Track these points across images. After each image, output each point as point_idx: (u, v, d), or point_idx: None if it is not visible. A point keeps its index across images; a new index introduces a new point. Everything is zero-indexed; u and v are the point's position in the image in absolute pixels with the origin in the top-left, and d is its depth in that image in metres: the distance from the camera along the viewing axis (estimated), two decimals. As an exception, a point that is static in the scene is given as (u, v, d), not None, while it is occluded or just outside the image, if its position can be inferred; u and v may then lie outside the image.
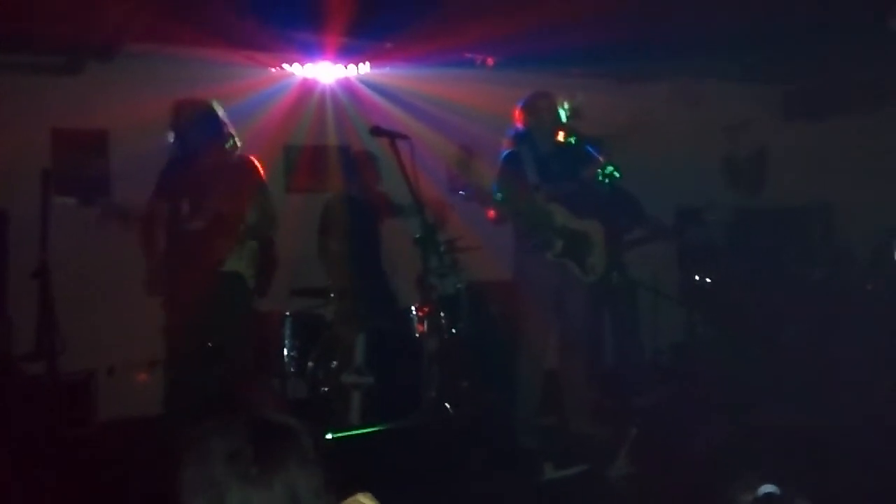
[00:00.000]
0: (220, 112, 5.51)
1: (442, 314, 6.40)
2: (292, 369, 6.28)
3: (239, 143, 5.58)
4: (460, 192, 5.98)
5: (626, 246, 7.26)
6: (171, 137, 5.45)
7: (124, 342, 6.61)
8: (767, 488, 1.97)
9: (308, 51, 7.15)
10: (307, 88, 7.62)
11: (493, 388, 6.58)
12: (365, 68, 7.52)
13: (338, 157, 7.57)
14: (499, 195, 5.78)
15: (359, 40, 6.88)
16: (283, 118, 7.35)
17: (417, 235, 5.74)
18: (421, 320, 6.31)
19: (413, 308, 6.53)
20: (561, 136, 6.10)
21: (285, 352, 6.26)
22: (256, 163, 5.60)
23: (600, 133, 6.98)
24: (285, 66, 7.37)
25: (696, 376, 7.41)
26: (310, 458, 1.71)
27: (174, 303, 5.28)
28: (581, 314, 6.12)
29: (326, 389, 6.15)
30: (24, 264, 5.61)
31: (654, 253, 7.77)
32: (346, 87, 7.74)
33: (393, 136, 5.29)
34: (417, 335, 6.37)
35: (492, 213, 5.89)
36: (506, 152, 6.04)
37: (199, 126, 5.44)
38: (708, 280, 8.14)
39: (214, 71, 6.76)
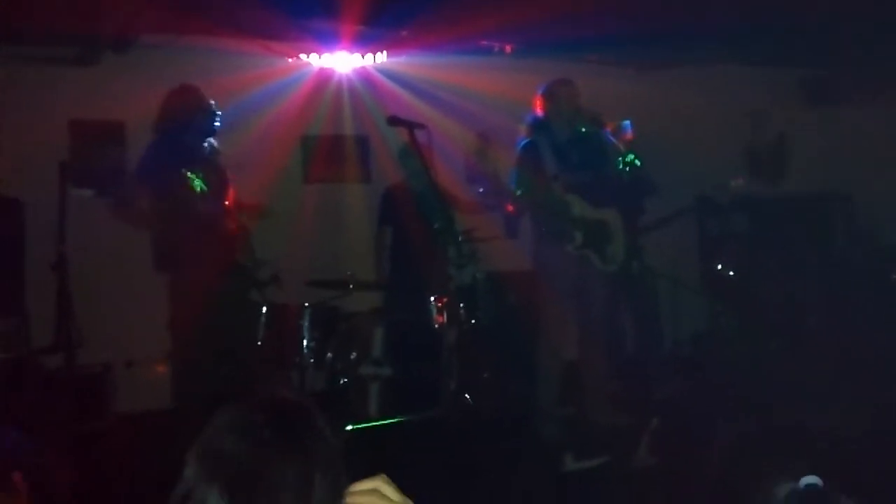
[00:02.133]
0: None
1: (461, 305, 6.36)
2: (311, 361, 6.25)
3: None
4: (479, 190, 5.92)
5: (644, 230, 7.18)
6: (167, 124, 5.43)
7: (142, 335, 6.58)
8: (809, 479, 1.87)
9: (325, 40, 7.12)
10: (324, 78, 7.59)
11: (513, 379, 6.54)
12: (382, 57, 7.49)
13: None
14: (519, 190, 5.72)
15: (376, 29, 6.85)
16: (301, 108, 7.32)
17: (436, 225, 5.69)
18: (440, 311, 6.26)
19: (432, 299, 6.49)
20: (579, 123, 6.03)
21: (304, 343, 6.22)
22: None
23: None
24: (302, 55, 7.34)
25: (716, 366, 7.34)
26: (324, 431, 1.68)
27: (190, 292, 5.27)
28: (601, 304, 6.07)
29: (345, 381, 6.13)
30: (42, 256, 5.60)
31: (674, 242, 7.70)
32: (364, 76, 7.70)
33: (411, 125, 5.25)
34: (436, 326, 6.32)
35: (510, 206, 5.85)
36: (523, 141, 5.98)
37: (202, 117, 5.46)
38: (729, 270, 8.06)
39: (231, 61, 6.75)
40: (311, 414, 1.72)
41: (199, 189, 5.33)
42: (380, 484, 1.66)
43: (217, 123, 5.53)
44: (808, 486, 1.87)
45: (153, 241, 5.45)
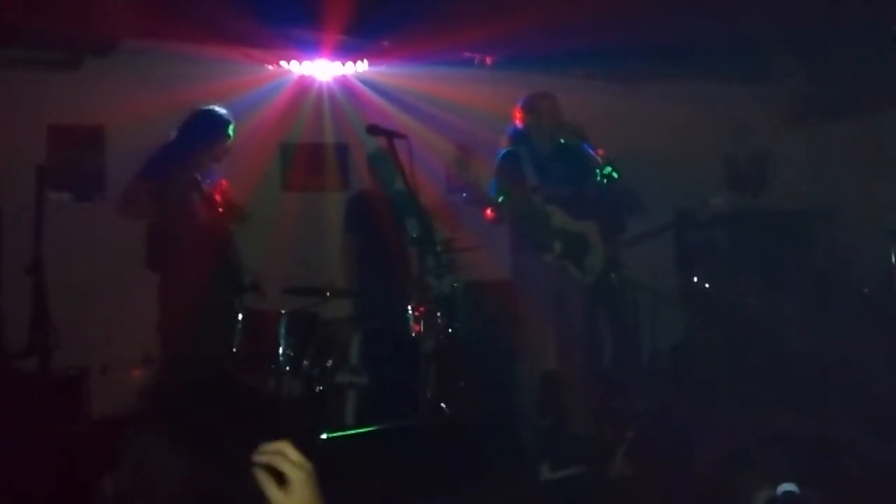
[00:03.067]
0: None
1: (439, 314, 6.36)
2: (287, 368, 6.23)
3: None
4: (462, 195, 5.92)
5: (624, 244, 7.20)
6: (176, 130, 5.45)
7: (118, 339, 6.55)
8: (786, 486, 1.90)
9: (306, 48, 7.13)
10: (304, 86, 7.58)
11: (491, 388, 6.54)
12: (363, 66, 7.50)
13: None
14: (500, 197, 5.74)
15: (357, 38, 6.86)
16: (280, 115, 7.32)
17: (414, 235, 5.69)
18: (417, 320, 6.26)
19: (410, 308, 6.49)
20: (560, 137, 6.06)
21: (280, 350, 6.21)
22: None
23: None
24: (282, 63, 7.34)
25: (694, 378, 7.37)
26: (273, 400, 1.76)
27: (181, 293, 5.28)
28: (579, 315, 6.08)
29: (321, 389, 6.11)
30: (19, 260, 5.57)
31: (653, 254, 7.73)
32: (344, 85, 7.71)
33: (390, 134, 5.23)
34: (414, 335, 6.32)
35: (490, 213, 5.85)
36: (503, 151, 5.99)
37: (206, 125, 5.48)
38: (707, 282, 8.10)
39: (211, 67, 6.75)
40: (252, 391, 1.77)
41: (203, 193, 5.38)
42: (283, 446, 1.69)
43: (230, 136, 5.58)
44: (786, 493, 1.89)
45: (151, 238, 5.43)
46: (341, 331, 6.41)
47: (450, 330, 6.54)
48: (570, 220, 5.87)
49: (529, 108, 5.97)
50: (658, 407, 6.61)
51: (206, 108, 5.54)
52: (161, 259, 5.35)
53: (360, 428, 5.84)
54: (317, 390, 6.11)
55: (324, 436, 5.60)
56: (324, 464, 1.75)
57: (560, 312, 5.98)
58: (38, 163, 5.85)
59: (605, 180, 6.04)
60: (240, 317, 5.97)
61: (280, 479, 1.64)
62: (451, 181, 7.82)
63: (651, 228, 7.56)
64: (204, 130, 5.47)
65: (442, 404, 6.13)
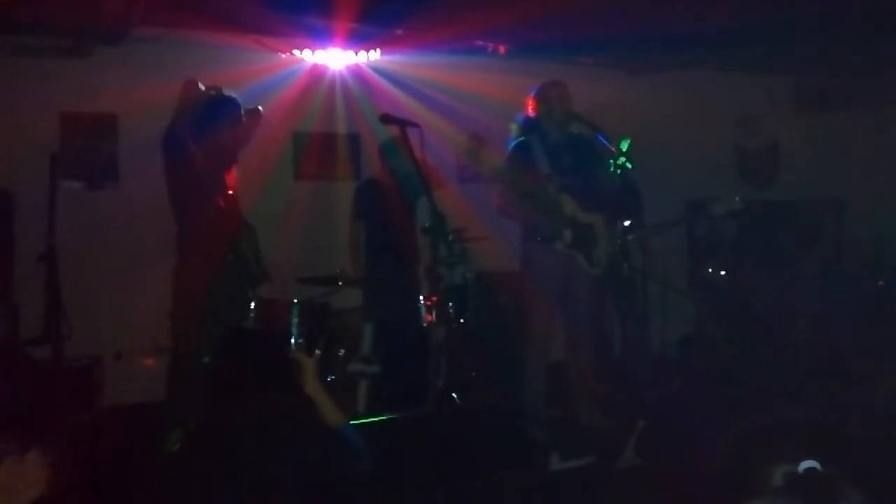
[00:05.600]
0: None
1: (450, 304, 6.36)
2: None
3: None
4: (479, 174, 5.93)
5: (635, 236, 7.17)
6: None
7: (131, 327, 6.59)
8: (808, 463, 1.89)
9: (318, 36, 7.10)
10: (317, 75, 7.57)
11: (501, 378, 6.55)
12: (375, 55, 7.47)
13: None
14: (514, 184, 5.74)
15: (370, 27, 6.83)
16: (293, 104, 7.29)
17: (426, 224, 5.68)
18: (429, 310, 6.27)
19: (421, 298, 6.50)
20: (571, 126, 6.04)
21: (292, 340, 6.21)
22: None
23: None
24: (295, 51, 7.32)
25: (703, 369, 7.36)
26: None
27: (184, 282, 5.29)
28: (588, 305, 6.08)
29: (333, 378, 6.12)
30: (32, 248, 5.59)
31: (664, 245, 7.70)
32: (357, 73, 7.69)
33: (403, 123, 5.22)
34: (425, 325, 6.33)
35: (498, 201, 5.85)
36: (515, 141, 5.99)
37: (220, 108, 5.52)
38: (717, 273, 8.08)
39: (223, 55, 6.73)
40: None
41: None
42: None
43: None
44: (807, 469, 1.89)
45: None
46: (353, 320, 6.42)
47: (461, 320, 6.54)
48: (581, 210, 5.86)
49: (541, 96, 5.97)
50: (667, 398, 6.61)
51: (216, 95, 5.55)
52: (178, 244, 5.37)
53: (370, 417, 5.85)
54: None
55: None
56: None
57: (569, 302, 5.99)
58: (50, 151, 5.84)
59: (618, 171, 6.04)
60: (252, 305, 5.99)
61: None
62: (462, 170, 7.82)
63: (664, 221, 7.53)
64: (215, 118, 5.47)
65: (453, 394, 6.15)
